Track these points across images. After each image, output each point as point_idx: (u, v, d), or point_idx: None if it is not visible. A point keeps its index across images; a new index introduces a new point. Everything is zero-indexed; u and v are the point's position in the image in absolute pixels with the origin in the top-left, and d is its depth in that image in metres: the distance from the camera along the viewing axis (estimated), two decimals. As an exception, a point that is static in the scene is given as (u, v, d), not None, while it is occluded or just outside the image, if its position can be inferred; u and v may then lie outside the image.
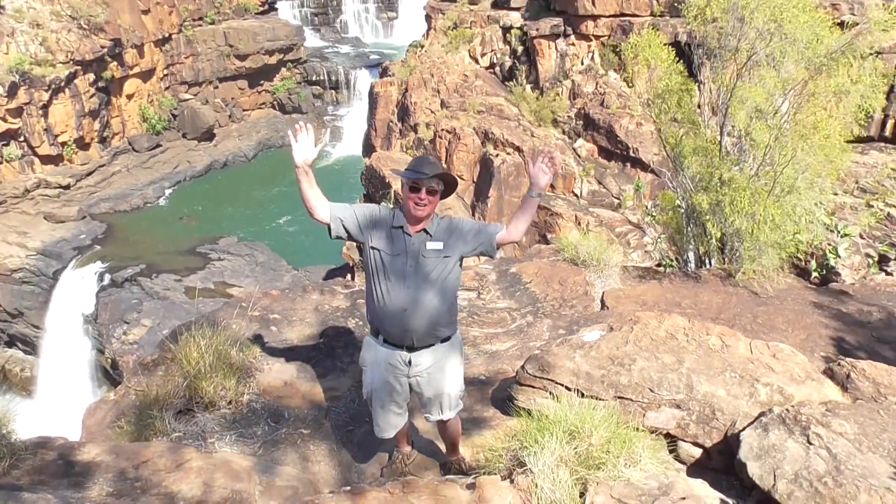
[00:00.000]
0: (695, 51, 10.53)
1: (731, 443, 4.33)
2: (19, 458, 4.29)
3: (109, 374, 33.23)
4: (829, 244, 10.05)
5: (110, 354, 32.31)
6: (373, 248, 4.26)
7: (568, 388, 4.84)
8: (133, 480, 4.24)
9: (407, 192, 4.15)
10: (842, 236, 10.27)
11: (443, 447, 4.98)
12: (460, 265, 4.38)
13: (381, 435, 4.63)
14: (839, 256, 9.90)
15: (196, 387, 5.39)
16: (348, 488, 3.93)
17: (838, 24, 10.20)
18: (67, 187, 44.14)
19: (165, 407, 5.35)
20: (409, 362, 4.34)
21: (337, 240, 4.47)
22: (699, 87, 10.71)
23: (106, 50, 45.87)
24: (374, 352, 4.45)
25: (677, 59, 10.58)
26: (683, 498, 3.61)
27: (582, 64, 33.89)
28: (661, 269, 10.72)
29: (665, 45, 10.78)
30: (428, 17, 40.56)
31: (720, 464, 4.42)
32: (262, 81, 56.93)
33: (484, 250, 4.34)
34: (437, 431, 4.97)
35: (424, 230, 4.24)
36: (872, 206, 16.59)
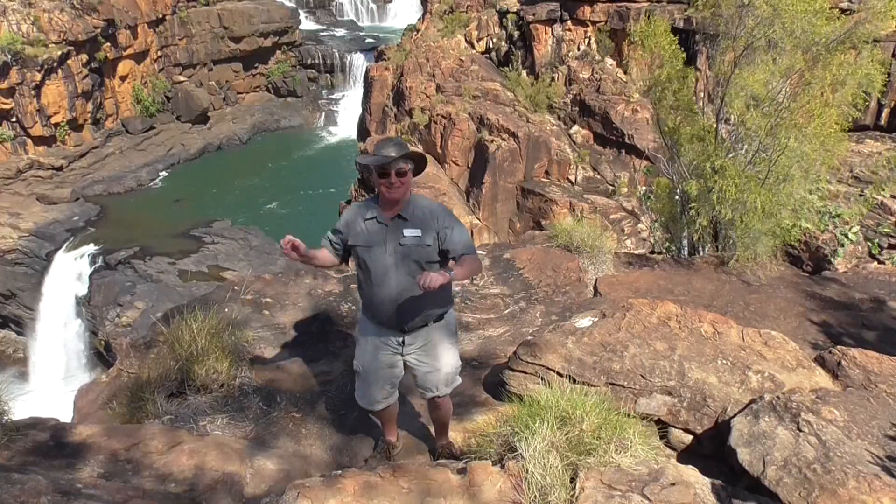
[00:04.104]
0: (693, 37, 10.48)
1: (721, 429, 4.36)
2: (11, 438, 4.29)
3: (103, 356, 33.18)
4: (840, 232, 10.08)
5: (104, 336, 32.24)
6: (352, 245, 4.30)
7: (560, 374, 4.86)
8: (124, 462, 4.25)
9: (377, 178, 4.09)
10: (847, 225, 10.31)
11: (432, 430, 4.98)
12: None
13: (366, 406, 4.61)
14: (851, 241, 9.94)
15: (188, 369, 5.39)
16: (339, 472, 3.93)
17: (842, 10, 10.14)
18: (60, 169, 43.94)
19: (157, 389, 5.35)
20: (403, 342, 4.39)
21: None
22: (697, 73, 10.65)
23: (99, 30, 45.45)
24: (368, 329, 4.48)
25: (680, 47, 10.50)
26: (673, 483, 3.63)
27: (578, 50, 33.72)
28: (655, 255, 10.72)
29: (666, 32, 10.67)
30: (424, 1, 40.32)
31: (711, 450, 4.44)
32: (256, 64, 56.50)
33: (445, 249, 4.20)
34: (427, 415, 4.96)
35: (399, 215, 4.17)
36: (864, 194, 16.63)
